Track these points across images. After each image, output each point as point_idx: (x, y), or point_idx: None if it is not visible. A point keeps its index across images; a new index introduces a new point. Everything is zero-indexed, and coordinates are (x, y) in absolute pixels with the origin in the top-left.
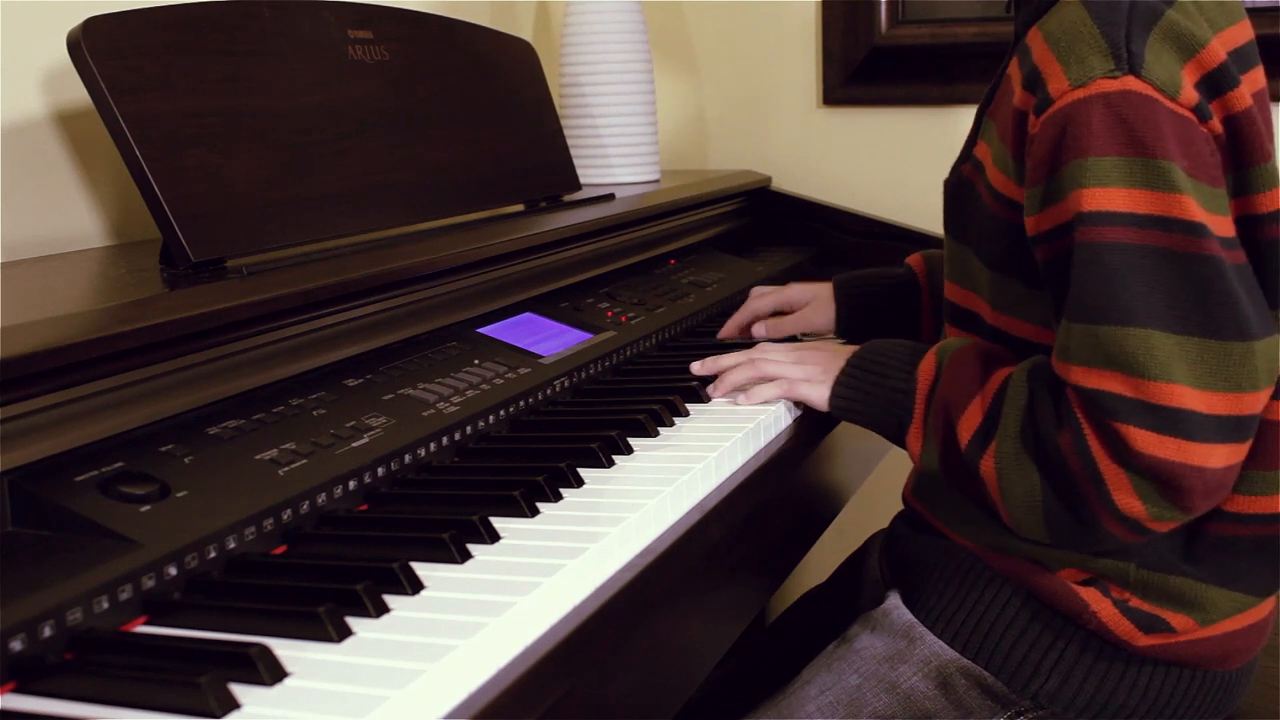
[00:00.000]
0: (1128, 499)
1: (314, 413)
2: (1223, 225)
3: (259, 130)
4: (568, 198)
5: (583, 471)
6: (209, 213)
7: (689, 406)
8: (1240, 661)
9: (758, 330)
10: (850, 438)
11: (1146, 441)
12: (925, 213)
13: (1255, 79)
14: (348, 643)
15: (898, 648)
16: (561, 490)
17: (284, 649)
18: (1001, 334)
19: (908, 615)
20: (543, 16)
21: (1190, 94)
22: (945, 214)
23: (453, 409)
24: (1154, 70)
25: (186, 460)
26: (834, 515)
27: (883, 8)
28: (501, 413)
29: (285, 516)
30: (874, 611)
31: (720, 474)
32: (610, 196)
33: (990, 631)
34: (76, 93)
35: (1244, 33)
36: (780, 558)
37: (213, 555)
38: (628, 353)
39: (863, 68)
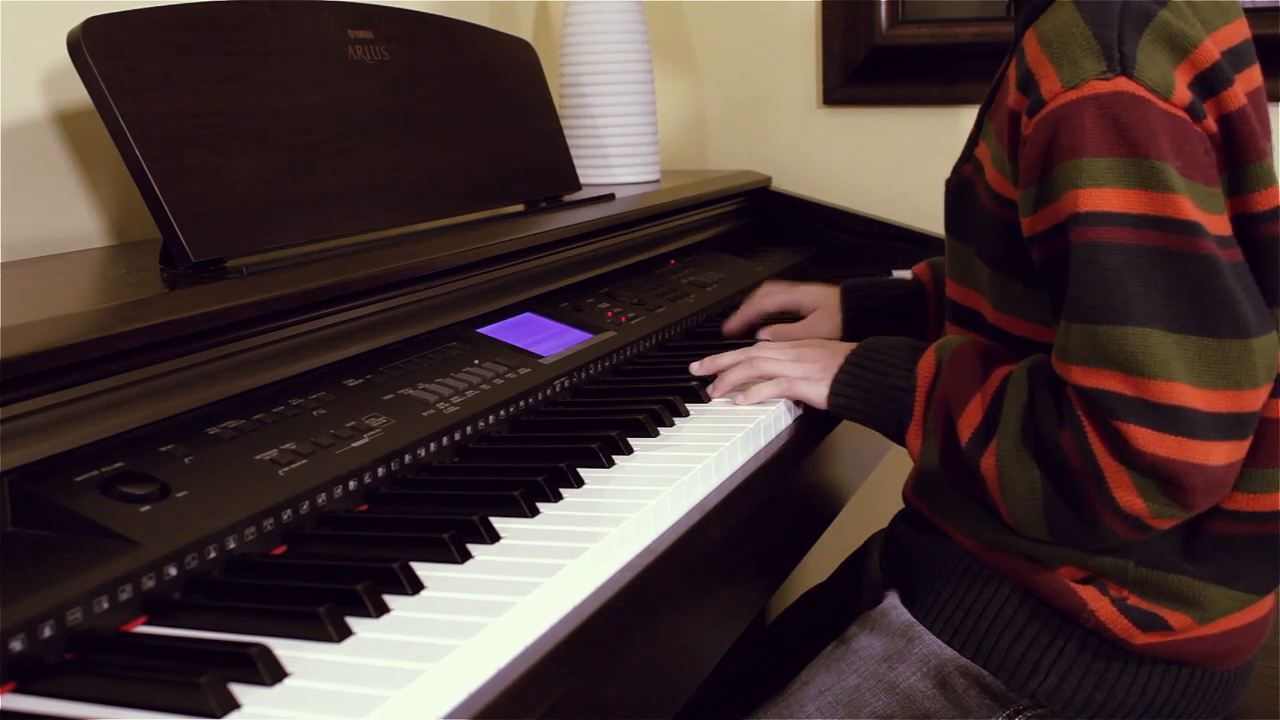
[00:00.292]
0: (1129, 497)
1: (314, 413)
2: (1218, 224)
3: (259, 130)
4: (568, 198)
5: (583, 471)
6: (209, 213)
7: (689, 406)
8: (1239, 661)
9: (763, 334)
10: (850, 438)
11: (1147, 440)
12: (925, 213)
13: (1250, 78)
14: (348, 643)
15: (896, 647)
16: (561, 490)
17: (284, 649)
18: (1002, 333)
19: (906, 615)
20: (543, 16)
21: (1183, 94)
22: (946, 214)
23: (453, 409)
24: (1146, 71)
25: (186, 460)
26: (834, 515)
27: (883, 8)
28: (501, 413)
29: (285, 516)
30: (872, 611)
31: (720, 474)
32: (610, 196)
33: (989, 630)
34: (76, 93)
35: (1239, 32)
36: (780, 558)
37: (213, 555)
38: (628, 353)
39: (863, 68)
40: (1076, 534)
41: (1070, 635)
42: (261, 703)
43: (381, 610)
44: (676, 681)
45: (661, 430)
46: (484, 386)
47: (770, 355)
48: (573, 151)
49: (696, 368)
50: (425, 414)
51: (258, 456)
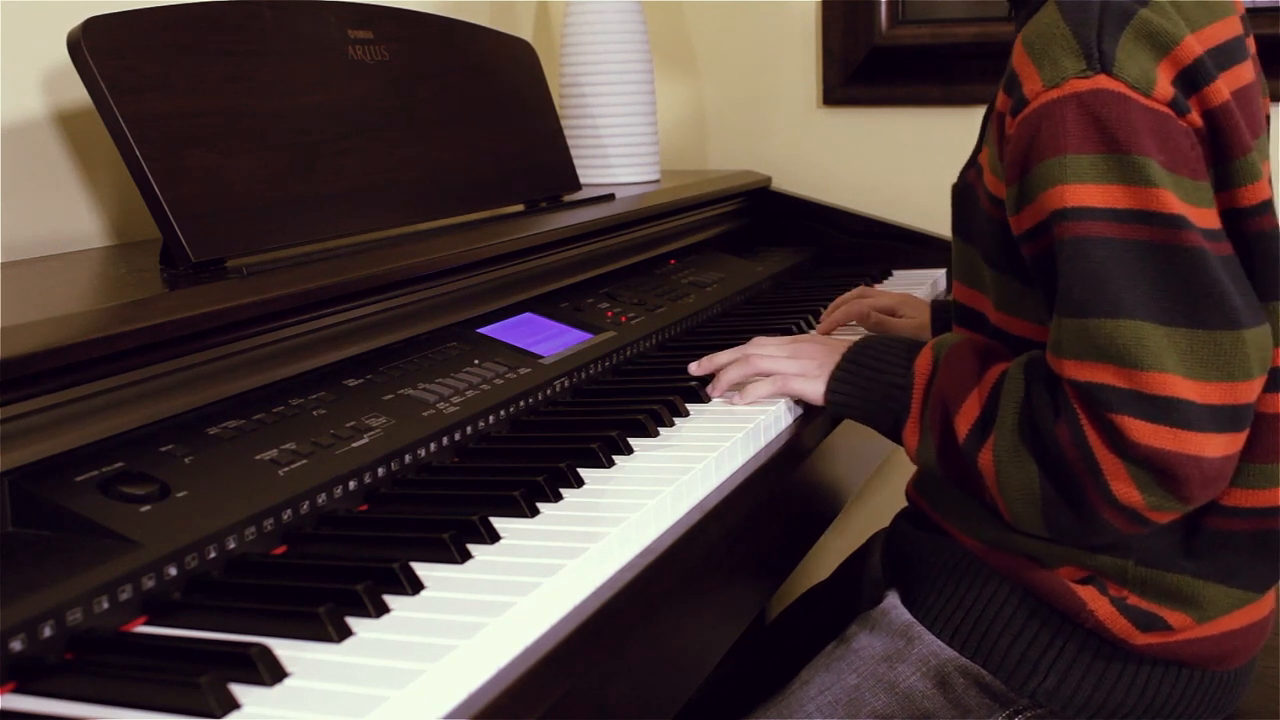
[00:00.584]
0: (1126, 489)
1: (314, 413)
2: (1206, 217)
3: (259, 130)
4: (568, 198)
5: (583, 471)
6: (209, 213)
7: (689, 406)
8: (1238, 661)
9: (858, 310)
10: (850, 438)
11: (1142, 432)
12: (925, 213)
13: (1239, 75)
14: (348, 643)
15: (896, 647)
16: (562, 490)
17: (284, 649)
18: (1004, 333)
19: (906, 615)
20: (543, 16)
21: (1166, 89)
22: (953, 217)
23: (453, 409)
24: (1126, 68)
25: (186, 460)
26: (834, 515)
27: (883, 8)
28: (501, 413)
29: (285, 516)
30: (872, 611)
31: (720, 474)
32: (610, 196)
33: (989, 630)
34: (76, 93)
35: (1227, 30)
36: (780, 558)
37: (213, 555)
38: (628, 353)
39: (863, 68)
40: (1074, 528)
41: (1070, 635)
42: (261, 703)
43: (381, 610)
44: (676, 681)
45: (661, 430)
46: (484, 386)
47: (766, 351)
48: (573, 151)
49: (695, 368)
50: (425, 414)
51: (258, 456)
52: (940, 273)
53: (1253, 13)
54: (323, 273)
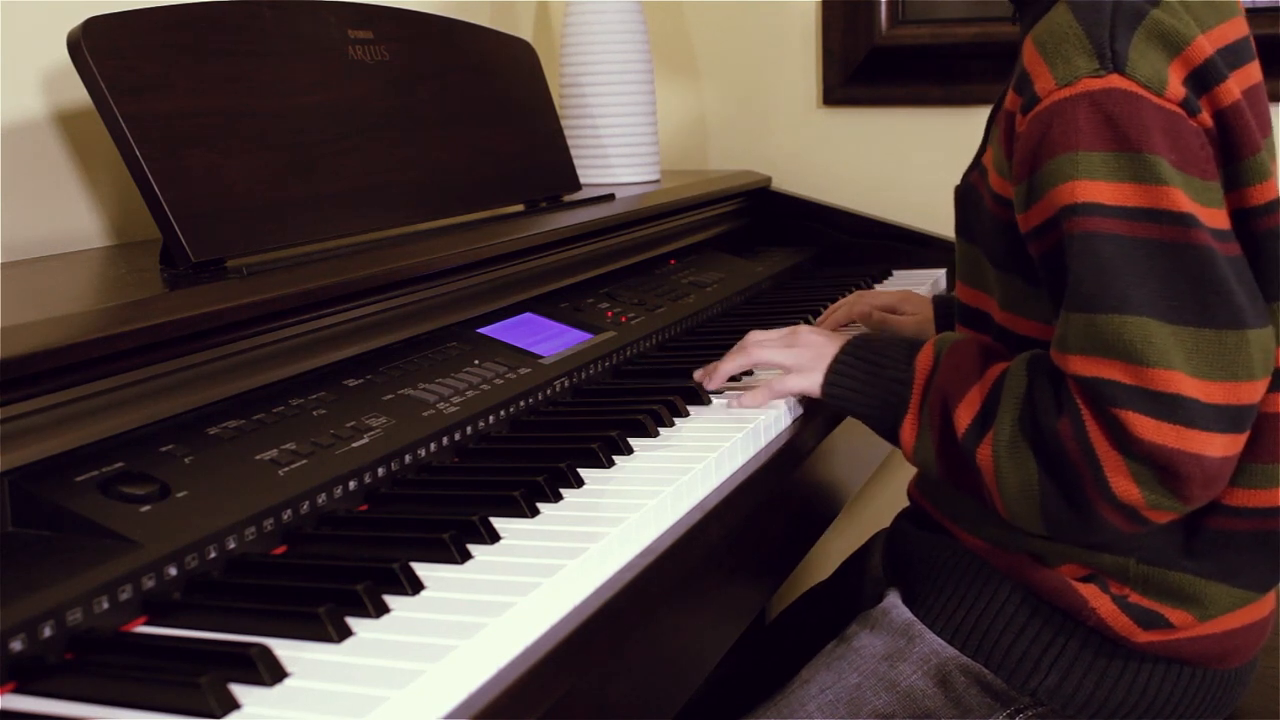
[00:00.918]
0: (1125, 484)
1: (314, 413)
2: (1215, 217)
3: (259, 130)
4: (568, 198)
5: (583, 472)
6: (209, 213)
7: (689, 407)
8: (1239, 660)
9: (859, 311)
10: (850, 438)
11: (1145, 428)
12: (925, 213)
13: (1247, 75)
14: (348, 643)
15: (897, 646)
16: (562, 490)
17: (284, 649)
18: (1008, 332)
19: (906, 614)
20: (543, 16)
21: (1177, 89)
22: (956, 218)
23: (453, 409)
24: (1139, 68)
25: (186, 460)
26: (834, 515)
27: (883, 8)
28: (501, 413)
29: (285, 516)
30: (873, 610)
31: (720, 474)
32: (610, 196)
33: (990, 629)
34: (76, 93)
35: (1235, 30)
36: (781, 557)
37: (213, 555)
38: (628, 353)
39: (863, 68)
40: (1072, 525)
41: (1071, 633)
42: (261, 703)
43: (381, 610)
44: (676, 681)
45: (661, 430)
46: (484, 386)
47: (764, 339)
48: (573, 151)
49: (700, 374)
50: (425, 414)
51: (258, 456)
52: (940, 273)
53: (1252, 13)
54: (323, 273)
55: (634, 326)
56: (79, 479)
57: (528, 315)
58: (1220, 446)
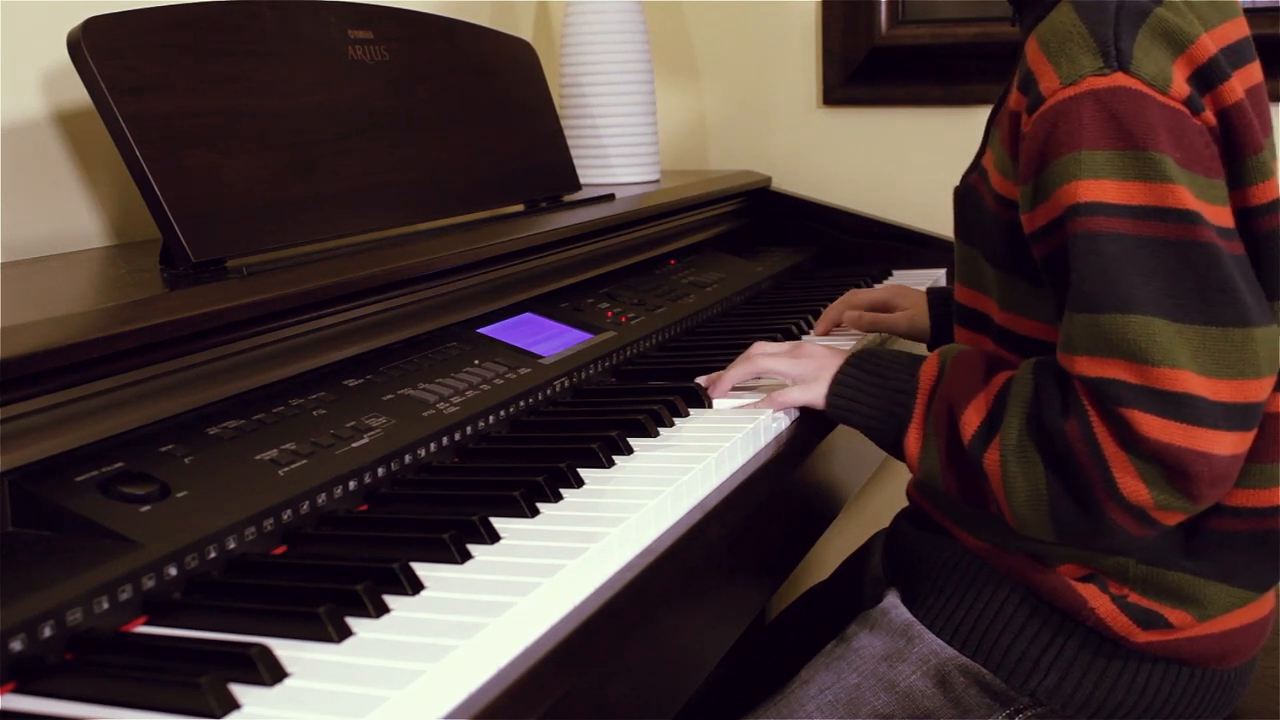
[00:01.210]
0: (1134, 485)
1: (314, 413)
2: (1220, 215)
3: (259, 130)
4: (568, 198)
5: (583, 472)
6: (209, 213)
7: (689, 407)
8: (1239, 660)
9: (849, 317)
10: (851, 438)
11: (1153, 426)
12: (925, 213)
13: (1249, 75)
14: (348, 643)
15: (896, 646)
16: (562, 490)
17: (284, 649)
18: (1009, 333)
19: (906, 614)
20: (543, 16)
21: (1181, 87)
22: (955, 220)
23: (453, 409)
24: (1144, 66)
25: (186, 460)
26: (834, 515)
27: (883, 8)
28: (501, 413)
29: (285, 516)
30: (872, 610)
31: (720, 474)
32: (610, 196)
33: (989, 629)
34: (76, 93)
35: (1237, 30)
36: (780, 558)
37: (213, 555)
38: (628, 353)
39: (863, 68)
40: (1081, 529)
41: (1071, 633)
42: (261, 703)
43: (381, 610)
44: (676, 681)
45: (661, 430)
46: (484, 386)
47: (768, 351)
48: (573, 151)
49: (704, 380)
50: (425, 414)
51: (258, 456)
52: (940, 273)
53: (1251, 13)
54: (323, 273)
55: (634, 326)
56: (79, 479)
57: (528, 315)
58: (1229, 444)
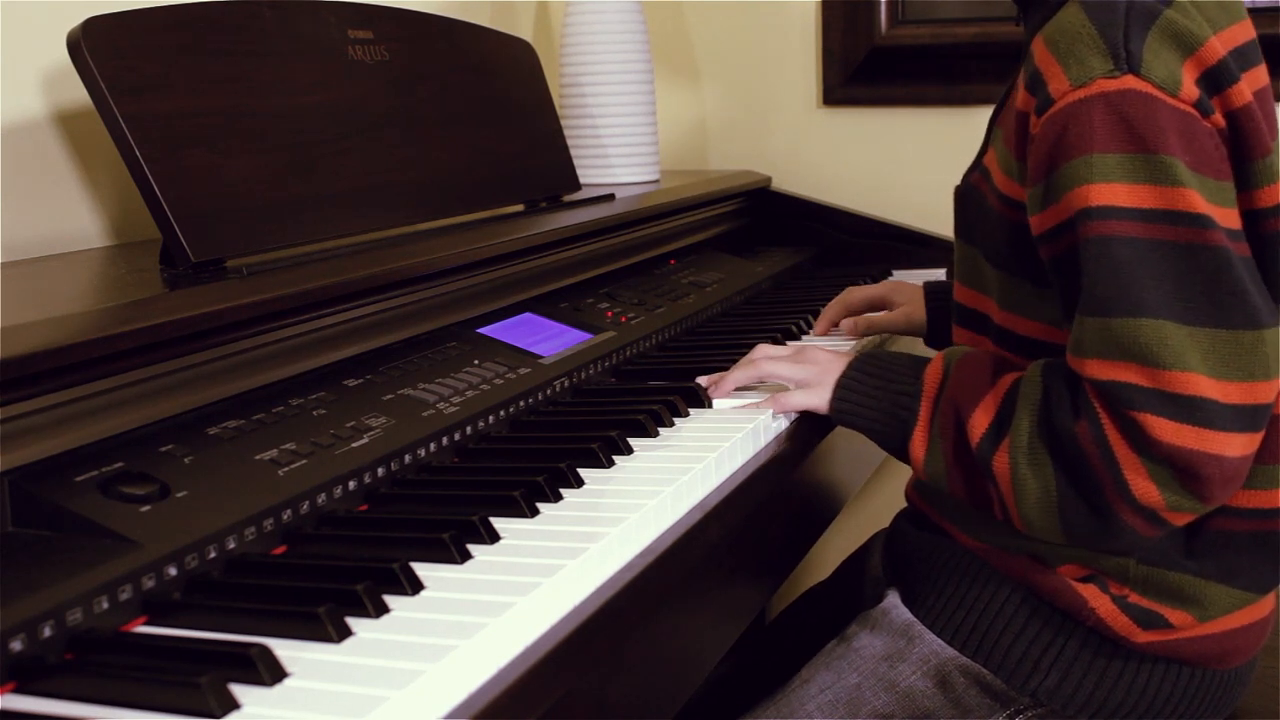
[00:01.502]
0: (1145, 486)
1: (314, 413)
2: (1229, 218)
3: (259, 130)
4: (568, 198)
5: (583, 472)
6: (209, 213)
7: (689, 407)
8: (1239, 661)
9: (846, 324)
10: (850, 438)
11: (1165, 430)
12: (925, 213)
13: (1257, 77)
14: (348, 643)
15: (897, 646)
16: (561, 490)
17: (284, 649)
18: (1009, 333)
19: (906, 614)
20: (543, 16)
21: (1191, 90)
22: (955, 219)
23: (453, 409)
24: (1153, 68)
25: (186, 460)
26: (834, 515)
27: (883, 8)
28: (501, 413)
29: (285, 516)
30: (873, 610)
31: (720, 474)
32: (610, 197)
33: (989, 629)
34: (76, 93)
35: (1244, 32)
36: (780, 557)
37: (213, 555)
38: (628, 353)
39: (863, 68)
40: (1091, 530)
41: (1071, 634)
42: (261, 703)
43: (381, 610)
44: (676, 681)
45: (661, 430)
46: (484, 386)
47: (772, 355)
48: (573, 151)
49: (705, 381)
50: (425, 414)
51: (258, 456)
52: (940, 273)
53: (1252, 13)
54: (323, 273)
55: (634, 326)
56: (79, 479)
57: (528, 315)
58: (1239, 446)
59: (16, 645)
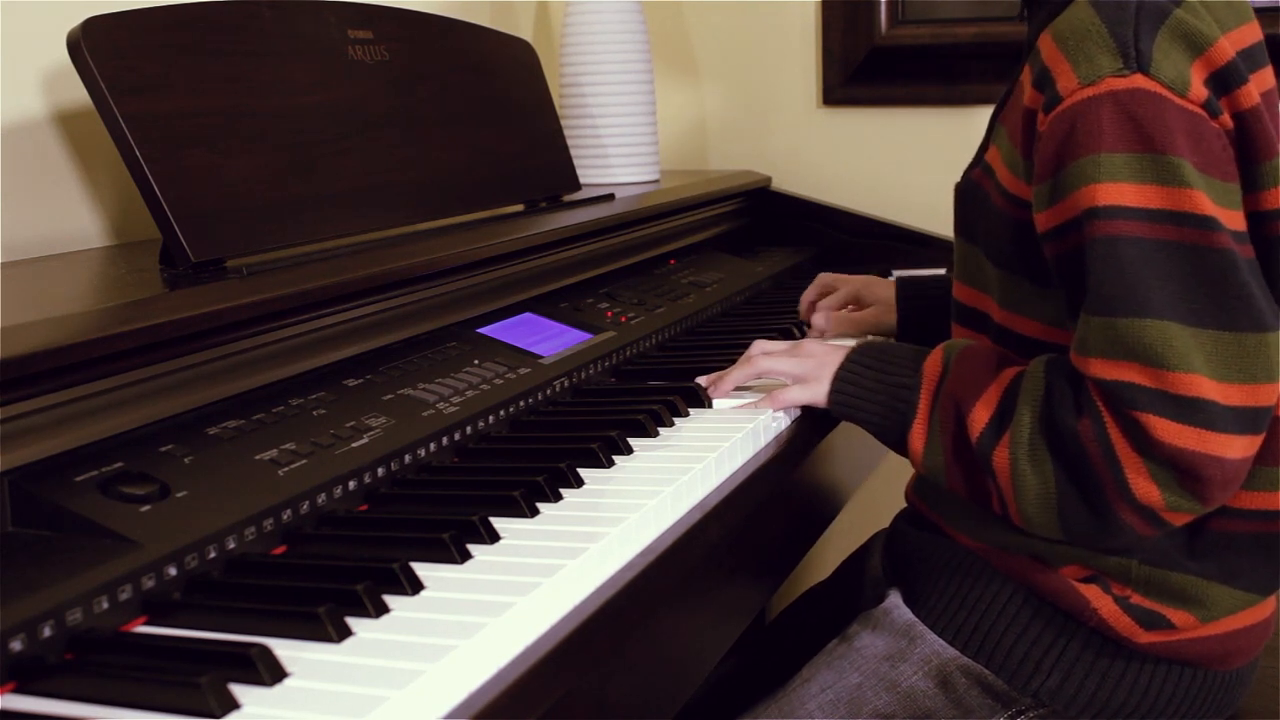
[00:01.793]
0: (1146, 486)
1: (314, 413)
2: (1235, 219)
3: (259, 130)
4: (568, 198)
5: (583, 472)
6: (209, 213)
7: (689, 407)
8: (1241, 661)
9: (818, 320)
10: (850, 438)
11: (1167, 431)
12: (925, 212)
13: (1264, 78)
14: (348, 643)
15: (898, 646)
16: (561, 490)
17: (284, 649)
18: (1009, 332)
19: (908, 614)
20: (543, 16)
21: (1200, 90)
22: (955, 217)
23: (453, 409)
24: (1163, 68)
25: (186, 460)
26: (834, 515)
27: (883, 8)
28: (501, 413)
29: (285, 516)
30: (874, 610)
31: (720, 474)
32: (610, 196)
33: (991, 629)
34: (76, 93)
35: (1252, 33)
36: (781, 557)
37: (213, 555)
38: (628, 353)
39: (863, 68)
40: (1090, 528)
41: (1073, 634)
42: (261, 703)
43: (381, 610)
44: (677, 681)
45: (661, 430)
46: (484, 386)
47: (768, 351)
48: (573, 151)
49: (705, 381)
50: (425, 414)
51: (258, 456)
52: (939, 273)
53: (1256, 13)
54: (323, 273)
55: (634, 326)
56: (79, 479)
57: (527, 315)
58: (1239, 448)
59: (16, 645)
